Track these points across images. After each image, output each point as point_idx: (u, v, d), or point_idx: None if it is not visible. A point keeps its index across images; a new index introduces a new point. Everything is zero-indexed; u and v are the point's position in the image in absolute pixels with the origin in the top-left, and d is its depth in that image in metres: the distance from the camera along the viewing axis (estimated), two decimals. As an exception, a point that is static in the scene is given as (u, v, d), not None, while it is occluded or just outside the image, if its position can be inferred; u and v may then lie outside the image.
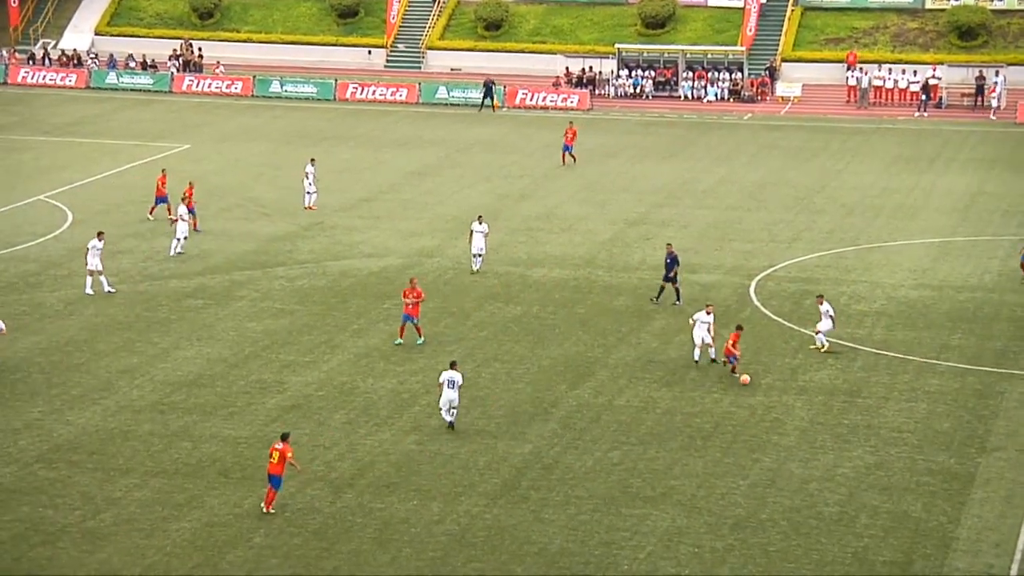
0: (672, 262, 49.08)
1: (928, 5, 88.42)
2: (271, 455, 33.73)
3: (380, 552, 32.61)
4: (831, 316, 44.34)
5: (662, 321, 47.75)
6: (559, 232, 58.77)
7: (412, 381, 42.75)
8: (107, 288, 50.40)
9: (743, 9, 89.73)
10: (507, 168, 70.31)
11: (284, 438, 34.00)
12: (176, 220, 56.00)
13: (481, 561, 32.17)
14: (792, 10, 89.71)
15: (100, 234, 51.41)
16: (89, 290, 50.35)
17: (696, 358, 43.02)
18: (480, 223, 52.85)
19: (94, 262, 50.33)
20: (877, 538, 33.10)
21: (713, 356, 43.49)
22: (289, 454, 33.53)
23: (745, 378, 41.58)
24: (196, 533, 33.56)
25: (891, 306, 49.18)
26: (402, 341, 45.28)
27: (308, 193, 62.37)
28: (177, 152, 74.38)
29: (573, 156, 70.08)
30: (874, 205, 62.82)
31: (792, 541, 32.97)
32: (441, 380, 38.75)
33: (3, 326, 43.78)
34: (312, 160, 64.16)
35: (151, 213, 60.23)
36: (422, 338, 45.27)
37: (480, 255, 52.78)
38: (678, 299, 49.15)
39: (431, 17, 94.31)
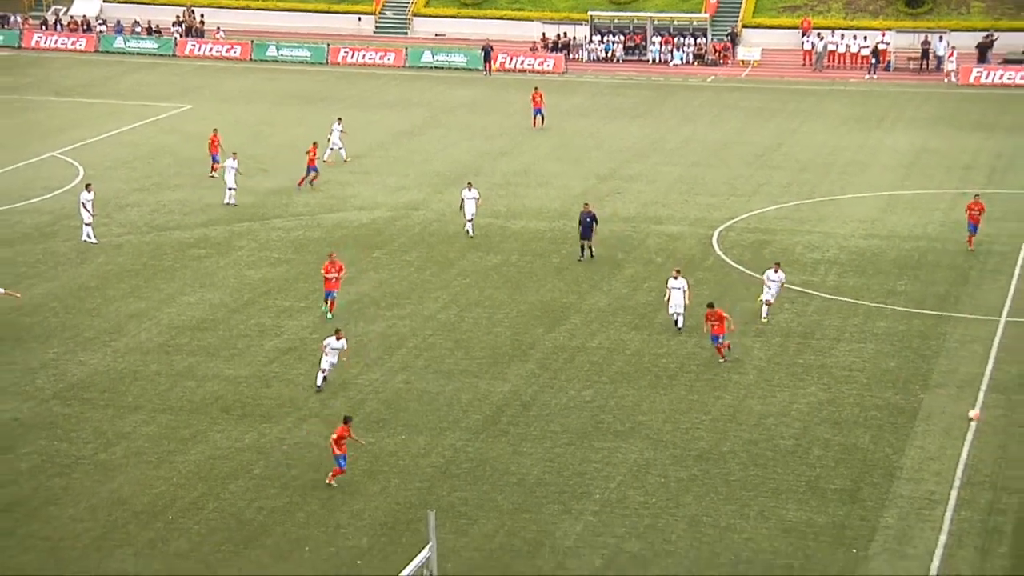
0: (591, 220, 48.14)
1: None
2: (333, 435, 32.40)
3: (371, 482, 32.70)
4: (781, 284, 42.91)
5: (632, 269, 47.79)
6: (536, 187, 58.69)
7: (400, 325, 42.75)
8: (87, 238, 50.36)
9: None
10: (488, 128, 70.11)
11: (346, 421, 32.53)
12: (220, 172, 56.11)
13: (464, 491, 32.30)
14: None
15: (88, 186, 51.26)
16: (86, 237, 50.45)
17: (679, 326, 41.68)
18: (470, 190, 51.67)
19: (85, 213, 50.38)
20: (828, 468, 33.29)
21: (680, 324, 41.82)
22: (346, 435, 32.13)
23: (975, 413, 35.33)
24: (200, 465, 33.63)
25: (842, 254, 49.27)
26: (332, 315, 43.05)
27: (332, 147, 62.21)
28: (180, 112, 74.04)
29: (543, 117, 69.82)
30: (827, 161, 62.84)
31: (750, 471, 33.14)
32: (324, 343, 37.73)
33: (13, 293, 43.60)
34: (339, 119, 64.02)
35: (213, 172, 59.43)
36: (331, 315, 43.00)
37: (471, 220, 51.28)
38: (591, 255, 48.35)
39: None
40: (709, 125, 70.67)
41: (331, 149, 62.25)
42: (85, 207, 50.30)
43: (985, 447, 34.20)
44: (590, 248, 48.35)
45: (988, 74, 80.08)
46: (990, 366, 39.11)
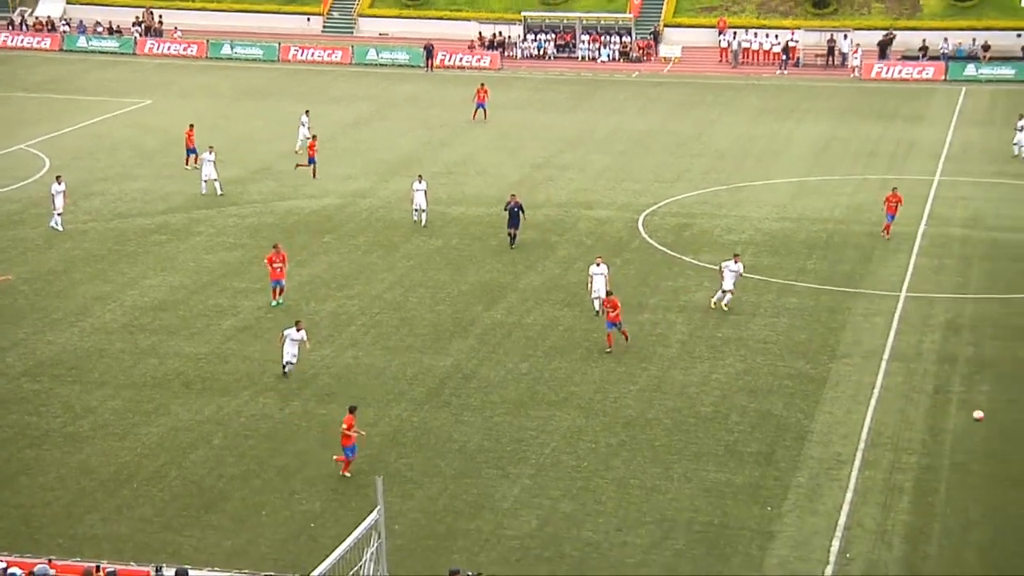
0: (518, 210, 47.54)
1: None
2: (343, 427, 31.25)
3: (322, 451, 32.63)
4: (738, 274, 41.57)
5: (564, 251, 47.85)
6: (475, 175, 58.63)
7: (349, 304, 42.63)
8: (55, 226, 49.75)
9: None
10: (429, 120, 69.92)
11: (351, 411, 31.33)
12: (199, 164, 55.38)
13: (410, 457, 32.32)
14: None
15: (59, 177, 50.67)
16: (59, 226, 49.83)
17: (597, 309, 41.05)
18: (420, 182, 50.82)
19: (57, 202, 49.75)
20: (745, 433, 33.53)
21: (598, 309, 40.77)
22: (353, 424, 30.99)
23: (979, 414, 34.06)
24: (163, 436, 33.46)
25: (757, 236, 49.55)
26: (277, 302, 42.13)
27: (301, 140, 61.62)
28: (140, 107, 73.35)
29: (485, 111, 69.73)
30: (743, 150, 63.15)
31: (674, 436, 33.33)
32: (284, 334, 36.73)
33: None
34: (307, 112, 63.60)
35: (187, 164, 58.63)
36: (276, 301, 42.11)
37: (422, 210, 50.50)
38: (513, 244, 47.60)
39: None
40: (634, 117, 70.82)
41: (301, 141, 61.86)
42: (55, 198, 49.74)
43: (887, 412, 34.57)
44: (514, 236, 47.69)
45: (888, 69, 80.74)
46: (891, 337, 39.50)
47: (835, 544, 28.30)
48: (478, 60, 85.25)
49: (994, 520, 29.25)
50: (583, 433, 33.55)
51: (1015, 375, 36.85)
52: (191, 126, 60.10)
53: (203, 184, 54.77)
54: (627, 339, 38.82)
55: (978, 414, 33.56)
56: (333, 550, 14.00)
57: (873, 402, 35.15)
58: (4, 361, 38.17)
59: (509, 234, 47.79)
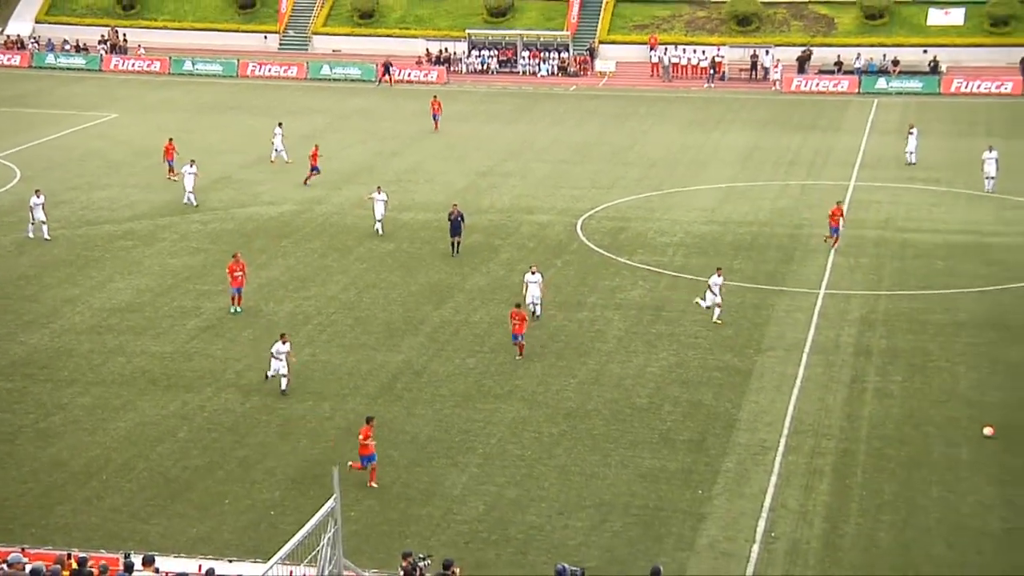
0: (460, 220, 46.97)
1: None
2: (359, 436, 30.31)
3: (282, 443, 32.49)
4: (720, 286, 40.39)
5: (507, 254, 47.87)
6: (424, 183, 58.53)
7: (306, 304, 42.44)
8: (31, 234, 49.06)
9: (567, 2, 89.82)
10: (380, 131, 69.73)
11: (368, 421, 30.37)
12: (179, 177, 54.45)
13: (365, 448, 32.20)
14: (607, 2, 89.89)
15: (37, 191, 49.79)
16: (45, 235, 49.03)
17: (534, 313, 40.24)
18: (380, 192, 50.31)
19: (38, 214, 48.99)
20: (678, 422, 33.68)
21: (538, 313, 40.35)
22: (370, 434, 29.95)
23: (989, 429, 32.61)
24: (131, 431, 33.19)
25: (687, 238, 49.78)
26: (236, 309, 41.30)
27: (276, 150, 61.31)
28: (107, 120, 72.68)
29: (437, 122, 69.68)
30: (674, 158, 63.42)
31: (612, 426, 33.43)
32: (272, 349, 35.37)
33: None
34: (280, 124, 63.08)
35: (169, 176, 57.66)
36: (235, 308, 41.32)
37: (380, 220, 49.61)
38: (456, 251, 47.01)
39: (315, 8, 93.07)
40: (572, 128, 70.97)
41: (276, 151, 61.42)
42: (33, 210, 48.86)
43: (808, 401, 34.83)
44: (458, 244, 47.17)
45: (806, 83, 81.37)
46: (811, 332, 39.81)
47: (761, 524, 28.48)
48: (426, 75, 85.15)
49: (906, 500, 29.55)
50: (527, 424, 33.58)
51: (925, 365, 37.25)
52: (170, 140, 59.25)
53: (187, 195, 53.74)
54: (521, 355, 37.63)
55: (988, 431, 32.24)
56: (292, 536, 13.94)
57: (795, 392, 35.41)
58: (-22, 361, 37.75)
59: (452, 243, 47.29)
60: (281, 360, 35.08)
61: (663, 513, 29.01)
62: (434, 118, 69.65)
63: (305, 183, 57.26)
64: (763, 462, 31.35)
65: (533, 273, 40.75)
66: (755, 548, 27.49)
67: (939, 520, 28.67)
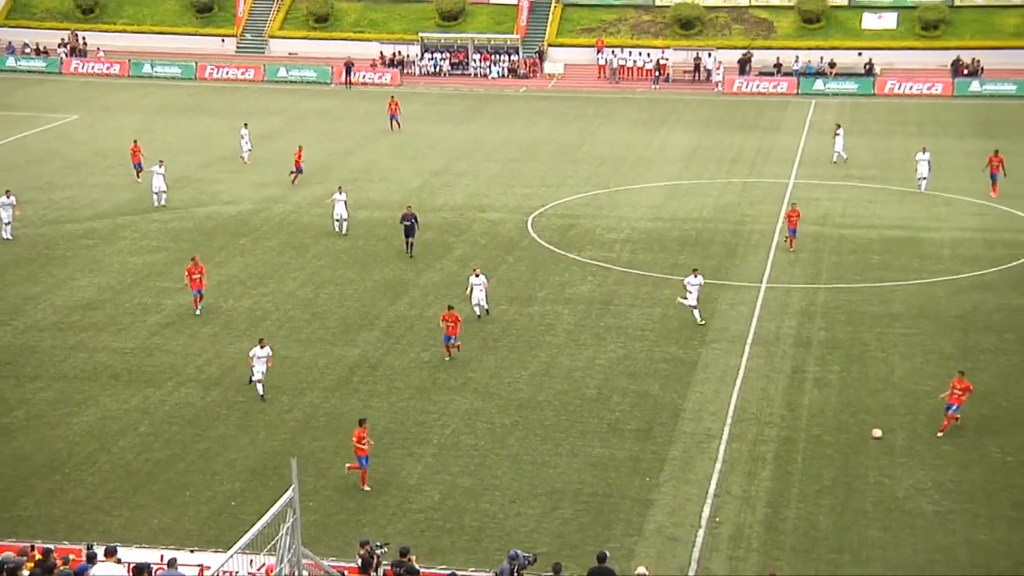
0: (413, 221, 46.35)
1: (658, 3, 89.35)
2: (353, 440, 29.55)
3: (242, 435, 32.32)
4: (699, 287, 39.76)
5: (460, 250, 47.81)
6: (378, 181, 58.35)
7: (264, 301, 42.21)
8: (6, 235, 48.47)
9: (517, 6, 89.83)
10: (335, 132, 69.44)
11: (361, 423, 29.68)
12: (144, 178, 53.80)
13: (322, 441, 32.10)
14: (555, 6, 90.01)
15: (8, 192, 49.17)
16: (7, 235, 48.42)
17: (477, 314, 39.89)
18: (341, 193, 49.81)
19: (6, 214, 48.36)
20: (626, 411, 33.77)
21: (488, 309, 40.10)
22: (364, 436, 29.30)
23: (877, 432, 32.23)
24: (93, 425, 32.89)
25: (634, 234, 49.92)
26: (199, 311, 40.50)
27: (246, 150, 60.79)
28: (67, 122, 71.95)
29: (398, 123, 69.53)
30: (620, 157, 63.57)
31: (562, 416, 33.47)
32: (251, 354, 34.47)
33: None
34: (246, 124, 62.51)
35: (138, 178, 56.65)
36: (199, 310, 40.60)
37: (342, 219, 49.10)
38: (410, 252, 46.40)
39: (272, 12, 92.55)
40: (522, 128, 70.98)
41: (245, 151, 60.94)
42: (3, 209, 48.31)
43: (751, 390, 35.03)
44: (411, 244, 46.60)
45: (747, 84, 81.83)
46: (754, 324, 40.03)
47: (706, 510, 28.61)
48: (380, 77, 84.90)
49: (844, 485, 29.79)
50: (480, 415, 33.56)
51: (862, 355, 37.55)
52: (135, 142, 58.47)
53: (155, 196, 53.18)
54: (450, 356, 36.87)
55: (877, 432, 32.35)
56: (252, 526, 13.86)
57: (738, 382, 35.59)
58: (-58, 358, 37.27)
59: (406, 243, 46.60)
60: (261, 366, 34.07)
61: (612, 500, 29.08)
62: (392, 119, 69.48)
63: (293, 183, 56.67)
64: (708, 450, 31.50)
65: (477, 276, 40.07)
66: (700, 533, 27.62)
67: (875, 504, 28.92)
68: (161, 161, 54.23)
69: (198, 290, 40.92)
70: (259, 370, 34.17)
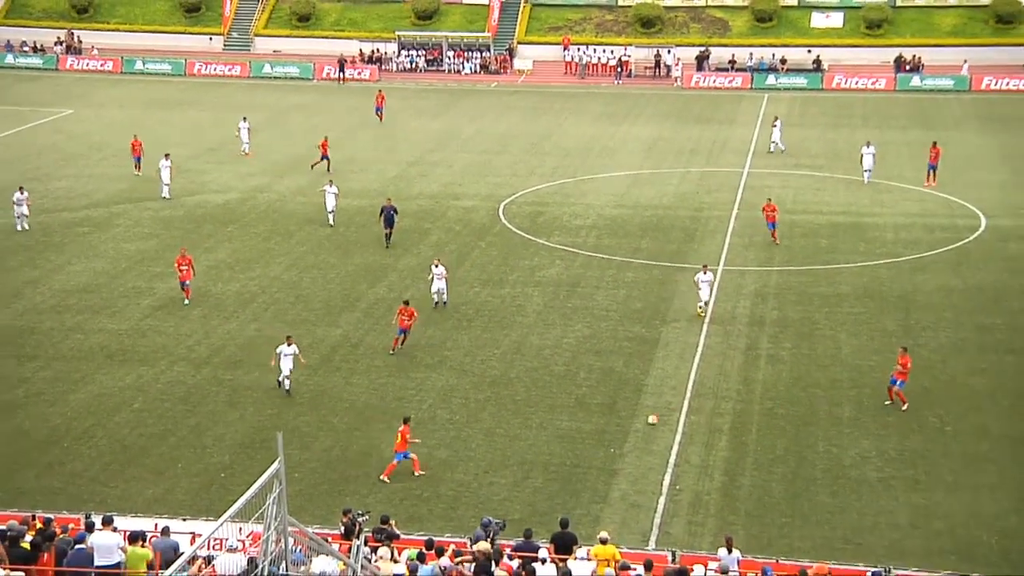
0: (393, 213, 45.38)
1: (620, 3, 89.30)
2: (396, 436, 28.81)
3: (231, 411, 32.24)
4: (710, 284, 38.78)
5: (436, 236, 47.73)
6: (358, 172, 58.14)
7: (251, 284, 42.05)
8: (25, 226, 47.80)
9: (488, 5, 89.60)
10: (318, 125, 69.04)
11: (406, 421, 29.07)
12: (150, 168, 53.09)
13: (307, 415, 32.06)
14: (524, 6, 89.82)
15: (21, 188, 48.48)
16: (18, 227, 47.68)
17: (435, 302, 39.12)
18: (331, 186, 49.05)
19: (20, 209, 47.53)
20: (592, 387, 33.86)
21: (446, 300, 39.22)
22: (408, 435, 28.69)
23: (653, 417, 31.76)
24: (90, 401, 32.74)
25: (600, 221, 49.96)
26: (189, 301, 39.69)
27: (245, 143, 60.29)
28: (63, 116, 71.33)
29: (382, 115, 69.31)
30: (586, 148, 63.55)
31: (532, 392, 33.54)
32: (277, 351, 33.23)
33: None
34: (245, 118, 61.89)
35: (137, 170, 55.89)
36: (188, 300, 39.73)
37: (332, 211, 48.34)
38: (388, 243, 45.55)
39: (257, 12, 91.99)
40: (494, 121, 70.86)
41: (244, 143, 60.47)
42: (15, 205, 47.56)
43: (708, 367, 35.17)
44: (389, 235, 45.79)
45: (705, 79, 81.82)
46: (711, 304, 40.12)
47: (667, 478, 28.75)
48: (359, 73, 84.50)
49: (795, 454, 29.98)
50: (455, 391, 33.57)
51: (812, 333, 37.75)
52: (135, 137, 57.59)
53: (163, 187, 52.31)
54: (394, 350, 35.63)
55: (652, 419, 31.63)
56: (241, 496, 13.84)
57: (697, 359, 35.72)
58: (-55, 340, 37.01)
59: (385, 234, 45.95)
60: (289, 363, 32.80)
61: (579, 470, 29.16)
62: (378, 111, 69.28)
63: (312, 167, 56.38)
64: (668, 422, 31.61)
65: (437, 266, 39.43)
66: (662, 500, 27.76)
67: (824, 471, 29.12)
68: (167, 154, 53.58)
69: (186, 281, 39.92)
70: (286, 367, 32.88)
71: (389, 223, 46.00)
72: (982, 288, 41.58)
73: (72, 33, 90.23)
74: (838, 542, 26.11)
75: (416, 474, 28.70)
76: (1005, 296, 40.80)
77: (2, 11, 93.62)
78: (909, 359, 32.14)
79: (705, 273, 38.94)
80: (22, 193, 48.11)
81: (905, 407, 31.90)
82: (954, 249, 45.87)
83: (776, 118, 63.14)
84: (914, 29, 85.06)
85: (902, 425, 31.38)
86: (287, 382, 33.04)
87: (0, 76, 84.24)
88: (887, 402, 32.08)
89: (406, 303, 36.51)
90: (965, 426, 31.38)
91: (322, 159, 56.77)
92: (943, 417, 31.81)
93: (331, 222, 48.80)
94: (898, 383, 32.02)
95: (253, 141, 62.23)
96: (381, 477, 28.59)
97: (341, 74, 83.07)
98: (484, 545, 21.69)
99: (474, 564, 20.91)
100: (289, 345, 33.13)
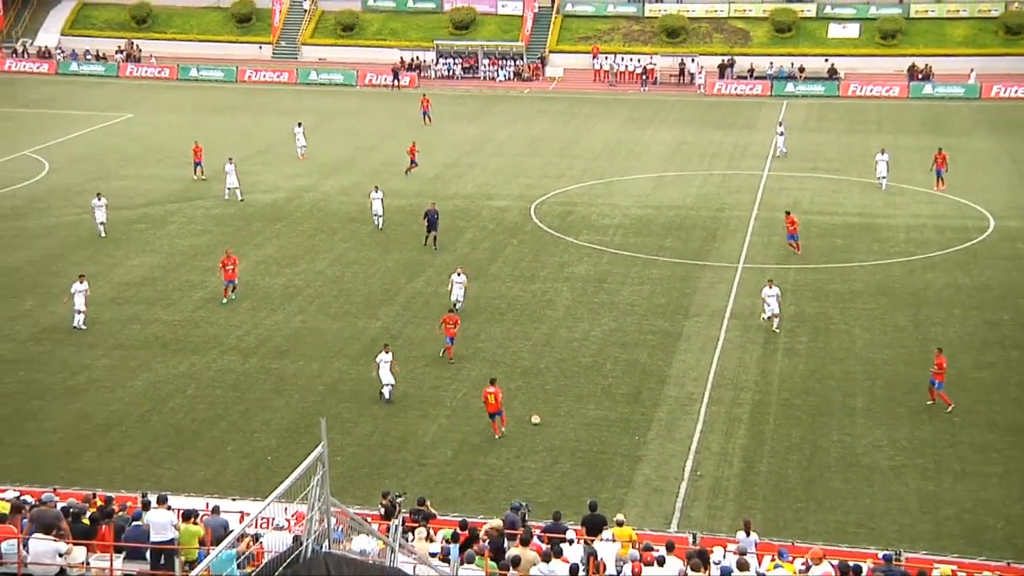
0: (436, 217, 44.77)
1: (647, 14, 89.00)
2: (486, 399, 29.55)
3: (277, 398, 32.37)
4: (777, 297, 36.77)
5: (471, 234, 47.73)
6: (398, 173, 58.18)
7: (297, 279, 42.20)
8: (102, 233, 46.72)
9: (522, 16, 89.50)
10: (360, 129, 69.27)
11: (493, 382, 29.82)
12: (203, 179, 52.63)
13: (348, 403, 32.15)
14: (555, 17, 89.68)
15: (99, 195, 47.23)
16: (102, 233, 46.51)
17: (454, 309, 37.09)
18: (377, 191, 48.46)
19: (100, 214, 46.43)
20: (618, 378, 33.78)
21: (460, 303, 37.66)
22: (500, 395, 29.44)
23: (536, 418, 31.09)
24: (146, 388, 32.96)
25: (626, 220, 49.81)
26: (228, 299, 39.25)
27: (301, 147, 59.99)
28: (123, 120, 71.80)
29: (429, 118, 69.43)
30: (613, 151, 63.37)
31: (561, 382, 33.49)
32: (377, 360, 32.33)
33: None
34: (299, 123, 61.66)
35: (197, 175, 55.05)
36: (226, 299, 39.22)
37: (379, 215, 47.51)
38: (435, 246, 44.80)
39: (303, 22, 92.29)
40: (526, 126, 70.77)
41: (300, 148, 60.22)
42: (95, 211, 46.50)
43: (728, 359, 35.01)
44: (435, 238, 45.24)
45: (727, 87, 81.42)
46: (731, 300, 39.98)
47: (688, 464, 28.65)
48: (400, 80, 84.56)
49: (810, 443, 29.80)
50: (488, 380, 33.51)
51: (827, 328, 37.51)
52: (196, 143, 56.86)
53: (226, 191, 52.05)
54: (451, 358, 34.63)
55: (535, 419, 30.97)
56: (286, 478, 13.87)
57: (717, 352, 35.57)
58: (13, 328, 37.31)
59: (431, 237, 45.07)
60: (387, 371, 31.91)
61: (605, 456, 29.11)
62: (424, 114, 69.44)
63: (406, 174, 55.90)
64: (690, 412, 31.51)
65: (460, 274, 38.40)
66: (683, 485, 27.66)
67: (838, 459, 28.94)
68: (231, 158, 53.58)
69: (230, 281, 39.32)
70: (386, 377, 31.70)
71: (432, 226, 45.12)
72: (990, 286, 41.18)
73: (132, 42, 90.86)
74: (851, 526, 25.94)
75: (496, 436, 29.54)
76: (1012, 293, 40.39)
77: (68, 22, 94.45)
78: (944, 359, 31.60)
79: (771, 288, 36.90)
80: (100, 200, 46.71)
81: (950, 408, 31.22)
82: (963, 249, 45.45)
83: (780, 123, 62.75)
84: (926, 39, 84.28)
85: (913, 415, 31.13)
86: (388, 390, 31.84)
87: (65, 83, 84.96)
88: (929, 402, 31.57)
89: (451, 310, 36.13)
90: (973, 417, 31.09)
91: (412, 163, 56.12)
92: (952, 409, 31.51)
93: (379, 225, 47.78)
94: (937, 384, 31.41)
95: (300, 143, 62.38)
96: (496, 435, 29.50)
97: (396, 81, 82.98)
98: (496, 522, 21.67)
99: (488, 541, 20.87)
100: (386, 352, 32.08)
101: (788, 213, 45.79)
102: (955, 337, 36.59)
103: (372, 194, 49.06)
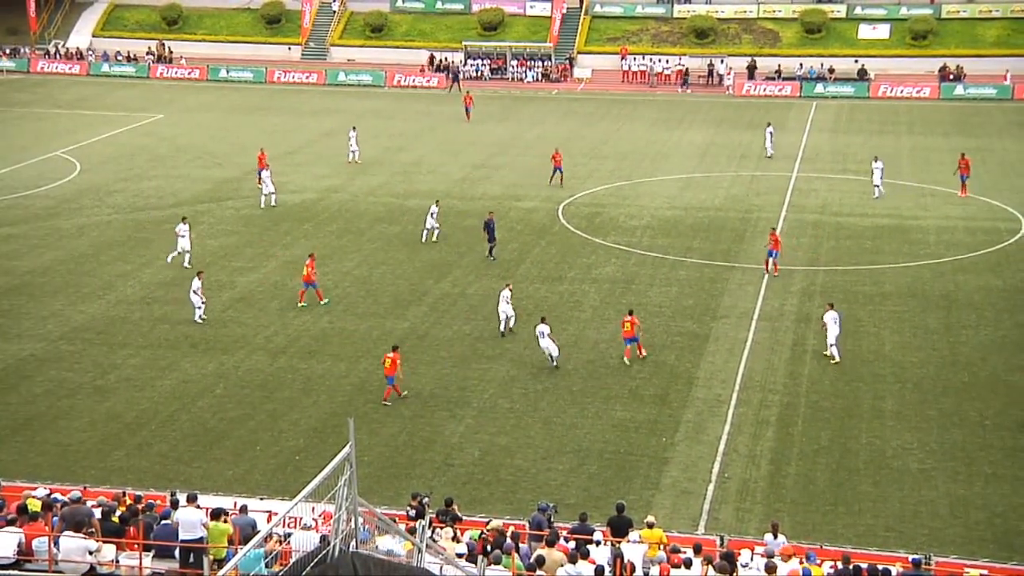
0: (494, 226, 43.87)
1: (675, 15, 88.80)
2: (384, 362, 31.08)
3: (305, 398, 32.47)
4: (837, 322, 34.91)
5: (498, 235, 47.43)
6: (426, 173, 58.32)
7: (324, 279, 42.23)
8: (185, 263, 43.70)
9: (551, 17, 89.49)
10: (388, 129, 69.41)
11: (395, 349, 31.11)
12: (258, 187, 52.02)
13: (374, 403, 32.20)
14: (583, 18, 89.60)
15: (184, 219, 43.95)
16: (186, 263, 43.34)
17: (501, 331, 36.69)
18: (435, 205, 46.70)
19: (183, 243, 43.08)
20: (646, 379, 33.69)
21: (512, 326, 36.65)
22: (398, 361, 30.81)
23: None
24: (175, 387, 33.13)
25: (654, 221, 49.70)
26: (322, 302, 39.05)
27: (352, 151, 59.65)
28: (153, 120, 72.26)
29: (469, 114, 69.74)
30: (641, 152, 63.25)
31: (589, 382, 33.43)
32: (537, 332, 33.45)
33: None
34: (354, 128, 61.41)
35: (258, 183, 53.18)
36: (325, 301, 39.12)
37: (432, 229, 45.99)
38: (491, 255, 43.84)
39: (332, 23, 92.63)
40: (554, 126, 70.71)
41: (352, 152, 59.88)
42: (179, 239, 43.50)
43: (756, 360, 34.86)
44: (491, 249, 43.79)
45: (755, 87, 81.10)
46: (759, 302, 39.82)
47: (716, 466, 28.54)
48: (428, 81, 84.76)
49: (839, 445, 29.63)
50: (515, 381, 33.55)
51: (856, 330, 37.28)
52: (262, 150, 54.97)
53: (262, 197, 51.56)
54: (642, 355, 34.43)
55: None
56: (314, 478, 13.92)
57: (745, 353, 35.43)
58: (45, 327, 37.60)
59: (490, 247, 44.02)
60: (545, 340, 32.74)
61: (632, 457, 29.04)
62: (467, 111, 70.18)
63: (550, 183, 54.77)
64: (718, 413, 31.39)
65: (506, 290, 37.18)
66: (711, 487, 27.56)
67: (867, 462, 28.75)
68: (268, 167, 53.05)
69: (309, 283, 38.89)
70: (545, 346, 32.75)
71: (492, 237, 44.03)
72: (1022, 288, 40.82)
73: (163, 44, 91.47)
74: (880, 529, 25.76)
75: (383, 400, 30.86)
76: (1044, 296, 40.01)
77: (99, 24, 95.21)
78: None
79: (832, 311, 35.15)
80: (184, 224, 43.63)
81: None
82: (995, 251, 45.07)
83: (769, 124, 62.51)
84: (958, 40, 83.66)
85: (943, 419, 30.90)
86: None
87: (97, 84, 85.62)
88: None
89: (631, 312, 34.95)
90: (1004, 420, 30.83)
91: (555, 171, 55.13)
92: (983, 412, 31.27)
93: (433, 239, 46.21)
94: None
95: (327, 143, 62.66)
96: (384, 399, 30.68)
97: (456, 82, 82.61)
98: (497, 523, 21.69)
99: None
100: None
101: (773, 230, 44.36)
102: (986, 340, 36.28)
103: (432, 208, 46.81)
